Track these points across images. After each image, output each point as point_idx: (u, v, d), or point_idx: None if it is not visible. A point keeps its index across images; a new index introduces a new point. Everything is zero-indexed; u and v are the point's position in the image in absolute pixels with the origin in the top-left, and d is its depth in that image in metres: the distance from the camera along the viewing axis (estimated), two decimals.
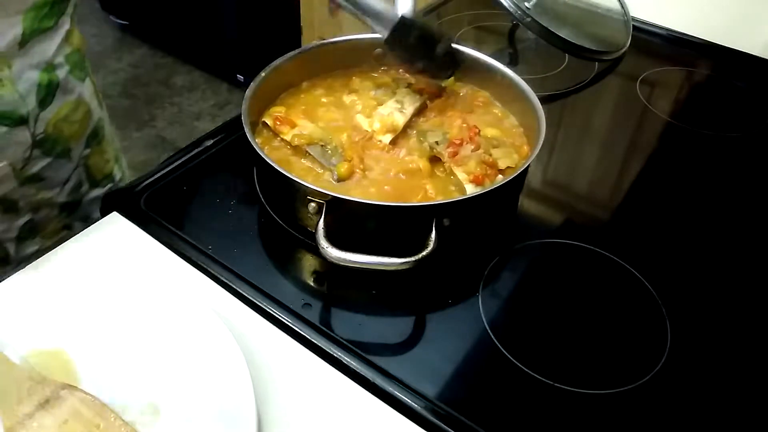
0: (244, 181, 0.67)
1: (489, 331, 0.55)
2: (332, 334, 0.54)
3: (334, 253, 0.52)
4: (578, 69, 0.91)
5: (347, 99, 0.72)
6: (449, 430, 0.48)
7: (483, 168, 0.62)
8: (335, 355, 0.52)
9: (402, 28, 0.64)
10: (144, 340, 0.50)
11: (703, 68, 0.96)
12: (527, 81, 0.69)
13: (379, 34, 0.66)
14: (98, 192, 0.76)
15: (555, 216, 0.71)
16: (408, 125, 0.69)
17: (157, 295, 0.52)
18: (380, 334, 0.55)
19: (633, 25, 0.98)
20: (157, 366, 0.49)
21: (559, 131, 0.81)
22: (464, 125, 0.67)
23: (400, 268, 0.52)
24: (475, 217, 0.62)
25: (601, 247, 0.63)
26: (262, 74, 0.67)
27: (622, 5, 0.99)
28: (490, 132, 0.68)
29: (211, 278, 0.58)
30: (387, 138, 0.67)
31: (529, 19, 0.87)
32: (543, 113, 0.64)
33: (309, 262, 0.61)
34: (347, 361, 0.51)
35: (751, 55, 0.97)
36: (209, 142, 0.72)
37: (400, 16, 0.64)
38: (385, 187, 0.62)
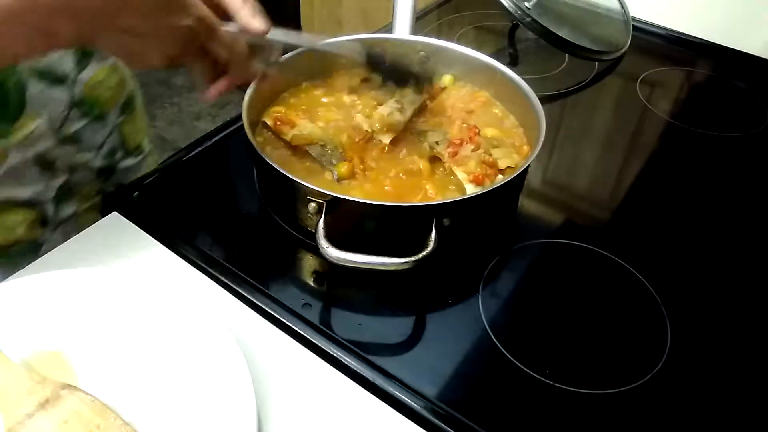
0: (244, 181, 0.67)
1: (489, 331, 0.55)
2: (332, 334, 0.54)
3: (334, 253, 0.52)
4: (578, 69, 0.91)
5: (347, 99, 0.72)
6: (449, 430, 0.48)
7: (483, 168, 0.62)
8: (335, 355, 0.52)
9: (373, 59, 0.68)
10: (144, 341, 0.50)
11: (703, 68, 0.96)
12: (527, 81, 0.69)
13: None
14: (131, 161, 0.79)
15: (555, 216, 0.71)
16: (408, 125, 0.69)
17: (157, 295, 0.52)
18: (380, 334, 0.55)
19: (633, 25, 0.98)
20: (157, 366, 0.49)
21: (559, 131, 0.81)
22: (464, 125, 0.67)
23: (400, 268, 0.52)
24: (475, 217, 0.62)
25: (601, 247, 0.63)
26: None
27: (622, 5, 0.99)
28: (490, 132, 0.69)
29: (210, 278, 0.58)
30: (387, 138, 0.67)
31: (529, 19, 0.87)
32: (543, 113, 0.64)
33: (309, 262, 0.61)
34: (347, 361, 0.51)
35: (751, 55, 0.97)
36: (209, 142, 0.72)
37: (365, 54, 0.67)
38: (385, 187, 0.62)
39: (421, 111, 0.71)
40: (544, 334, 0.56)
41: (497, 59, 0.73)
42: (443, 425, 0.48)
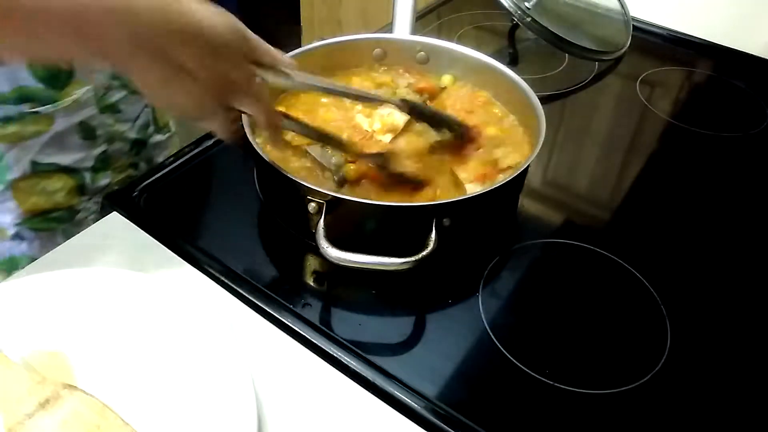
0: (244, 181, 0.67)
1: (489, 331, 0.55)
2: (332, 334, 0.54)
3: (334, 253, 0.52)
4: (578, 69, 0.91)
5: (347, 99, 0.72)
6: (449, 430, 0.48)
7: (484, 167, 0.62)
8: (335, 355, 0.52)
9: (416, 109, 0.67)
10: (144, 340, 0.50)
11: (703, 68, 0.96)
12: (527, 81, 0.69)
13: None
14: (160, 137, 0.82)
15: (555, 216, 0.71)
16: (408, 125, 0.68)
17: (157, 295, 0.52)
18: (380, 334, 0.55)
19: (633, 25, 0.98)
20: (157, 366, 0.49)
21: (559, 131, 0.81)
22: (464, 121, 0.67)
23: (400, 268, 0.52)
24: (475, 217, 0.62)
25: (601, 247, 0.63)
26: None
27: (622, 5, 0.99)
28: (491, 131, 0.69)
29: (210, 278, 0.58)
30: (387, 138, 0.67)
31: (529, 19, 0.87)
32: (543, 113, 0.64)
33: (309, 262, 0.61)
34: (347, 361, 0.51)
35: (751, 55, 0.97)
36: (209, 142, 0.72)
37: (408, 106, 0.66)
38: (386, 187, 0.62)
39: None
40: (544, 334, 0.56)
41: (497, 59, 0.73)
42: (443, 425, 0.48)
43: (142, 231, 0.62)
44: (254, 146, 0.59)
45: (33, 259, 0.59)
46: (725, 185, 0.75)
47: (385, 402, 0.50)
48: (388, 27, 0.77)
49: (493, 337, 0.54)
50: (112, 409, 0.46)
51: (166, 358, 0.49)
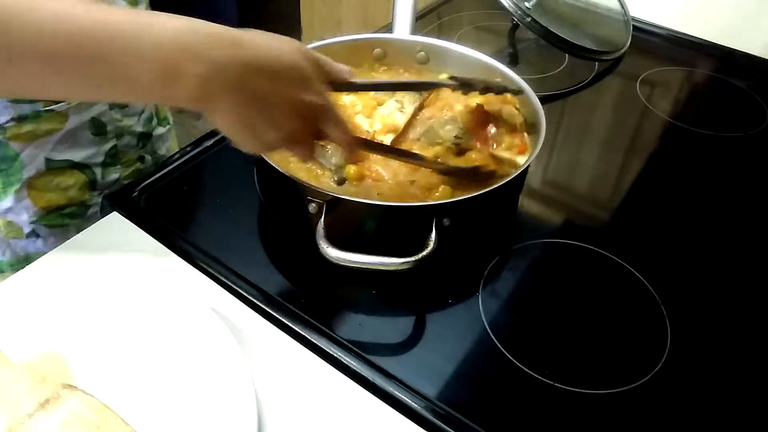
0: (244, 181, 0.67)
1: (489, 331, 0.55)
2: (332, 334, 0.54)
3: (333, 253, 0.52)
4: (578, 69, 0.91)
5: (347, 99, 0.72)
6: (449, 430, 0.48)
7: (519, 137, 0.64)
8: (335, 355, 0.52)
9: (466, 83, 0.67)
10: (145, 341, 0.50)
11: (703, 68, 0.96)
12: (527, 81, 0.69)
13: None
14: (161, 130, 0.82)
15: (555, 216, 0.71)
16: (408, 124, 0.68)
17: (158, 295, 0.52)
18: (380, 334, 0.55)
19: (633, 25, 0.98)
20: (157, 366, 0.49)
21: (559, 131, 0.81)
22: (466, 107, 0.67)
23: (400, 268, 0.52)
24: (475, 217, 0.62)
25: (601, 247, 0.63)
26: None
27: (622, 5, 0.99)
28: (491, 130, 0.68)
29: (211, 278, 0.58)
30: (387, 138, 0.67)
31: (529, 19, 0.87)
32: (543, 113, 0.64)
33: (309, 262, 0.61)
34: (347, 361, 0.51)
35: (751, 55, 0.97)
36: (209, 142, 0.72)
37: (459, 82, 0.66)
38: (386, 187, 0.62)
39: (420, 109, 0.71)
40: (544, 334, 0.56)
41: (497, 59, 0.73)
42: (443, 425, 0.48)
43: (142, 231, 0.62)
44: None
45: None
46: (725, 185, 0.75)
47: (385, 402, 0.50)
48: (388, 27, 0.77)
49: (493, 337, 0.54)
50: (112, 409, 0.46)
51: (165, 358, 0.49)
